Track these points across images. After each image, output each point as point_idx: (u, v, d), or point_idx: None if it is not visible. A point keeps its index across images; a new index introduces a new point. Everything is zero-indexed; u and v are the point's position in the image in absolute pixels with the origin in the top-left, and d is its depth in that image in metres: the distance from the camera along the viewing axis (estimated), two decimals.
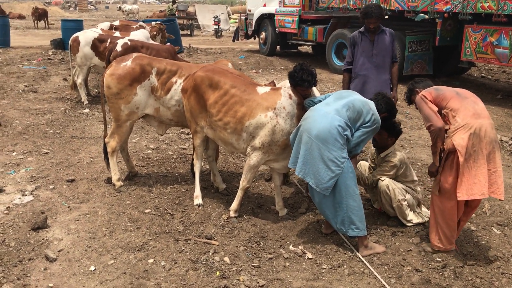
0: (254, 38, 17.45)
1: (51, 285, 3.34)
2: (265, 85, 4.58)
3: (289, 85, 4.33)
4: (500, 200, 3.95)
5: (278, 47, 16.23)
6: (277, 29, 15.30)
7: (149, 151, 6.31)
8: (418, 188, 4.61)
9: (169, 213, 4.50)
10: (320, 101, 4.13)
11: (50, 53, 14.34)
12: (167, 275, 3.50)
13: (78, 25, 15.72)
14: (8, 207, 4.47)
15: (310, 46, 16.44)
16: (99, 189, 4.98)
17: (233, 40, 18.89)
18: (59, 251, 3.78)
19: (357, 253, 3.94)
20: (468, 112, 3.74)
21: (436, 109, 3.76)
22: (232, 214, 4.47)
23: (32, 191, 4.85)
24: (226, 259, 3.77)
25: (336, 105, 3.92)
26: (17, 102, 8.75)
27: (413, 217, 4.44)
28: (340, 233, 4.10)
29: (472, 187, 3.67)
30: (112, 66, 4.81)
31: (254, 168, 4.36)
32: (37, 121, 7.55)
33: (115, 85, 4.71)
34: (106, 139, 4.97)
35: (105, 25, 11.64)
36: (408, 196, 4.41)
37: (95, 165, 5.64)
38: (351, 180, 3.86)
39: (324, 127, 3.79)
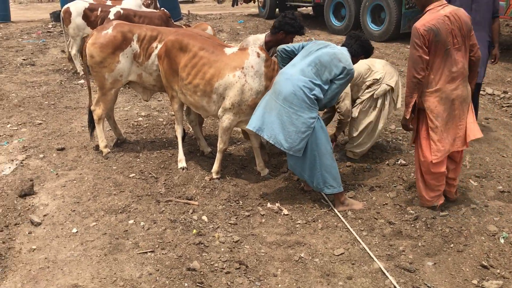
0: (254, 2, 17.24)
1: (34, 247, 3.51)
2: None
3: (259, 43, 4.39)
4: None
5: (277, 10, 16.03)
6: None
7: (140, 118, 6.41)
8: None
9: (153, 176, 4.63)
10: (293, 50, 4.11)
11: (50, 26, 14.36)
12: (145, 234, 3.64)
13: None
14: None
15: (311, 8, 16.22)
16: (87, 156, 5.12)
17: (233, 5, 18.68)
18: (44, 215, 3.94)
19: (334, 208, 4.04)
20: (446, 77, 3.71)
21: (427, 59, 3.63)
22: (214, 175, 4.58)
23: (23, 160, 5.00)
24: (204, 218, 3.91)
25: (301, 64, 3.93)
26: (15, 75, 8.86)
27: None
28: (317, 191, 4.18)
29: (440, 148, 3.78)
30: (93, 35, 4.86)
31: (228, 130, 4.43)
32: (33, 93, 7.67)
33: (98, 53, 4.77)
34: (92, 107, 5.07)
35: None
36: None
37: (86, 134, 5.74)
38: (323, 139, 3.92)
39: (290, 90, 3.82)
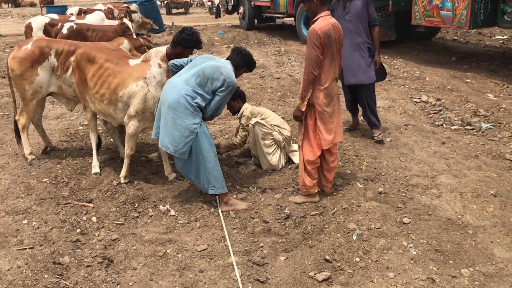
0: (238, 13, 17.64)
1: None
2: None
3: (161, 55, 4.73)
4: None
5: (256, 21, 16.41)
6: (252, 3, 15.48)
7: (80, 127, 6.78)
8: (287, 127, 5.27)
9: (64, 181, 4.97)
10: (182, 64, 4.46)
11: None
12: (32, 233, 3.97)
13: (62, 11, 16.18)
14: None
15: (293, 18, 16.56)
16: (15, 163, 5.48)
17: (216, 17, 19.10)
18: None
19: (218, 209, 4.33)
20: (332, 77, 4.27)
21: (321, 58, 4.12)
22: (122, 180, 4.91)
23: None
24: (94, 218, 4.23)
25: (186, 75, 4.27)
26: None
27: (274, 159, 5.12)
28: (204, 191, 4.48)
29: (329, 138, 4.28)
30: (14, 50, 5.24)
31: (133, 136, 4.76)
32: None
33: (18, 67, 5.15)
34: (16, 117, 5.45)
35: (75, 9, 12.08)
36: (274, 133, 5.10)
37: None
38: (206, 143, 4.23)
39: (174, 98, 4.16)
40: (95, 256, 3.64)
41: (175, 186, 4.88)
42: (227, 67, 4.31)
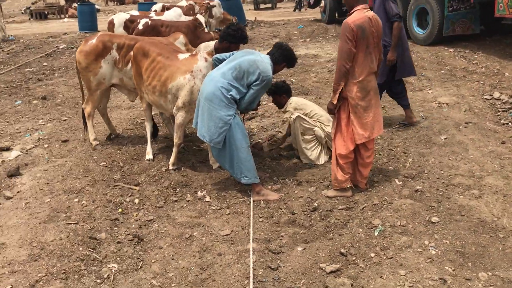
0: (319, 7, 17.56)
1: None
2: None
3: (209, 49, 4.95)
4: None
5: (336, 14, 16.24)
6: None
7: None
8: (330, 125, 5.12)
9: (119, 165, 5.39)
10: (224, 58, 4.65)
11: None
12: (79, 210, 4.40)
13: (149, 8, 17.19)
14: (3, 160, 5.69)
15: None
16: (82, 148, 6.03)
17: (294, 10, 19.12)
18: (18, 192, 4.87)
19: (250, 198, 4.48)
20: (367, 71, 4.22)
21: (354, 51, 4.11)
22: (170, 167, 5.23)
23: (29, 149, 6.05)
24: (136, 200, 4.57)
25: (224, 68, 4.45)
26: (72, 79, 10.23)
27: (313, 155, 5.11)
28: (237, 180, 4.64)
29: (364, 132, 4.25)
30: (81, 45, 5.76)
31: (181, 126, 5.05)
32: (76, 95, 8.88)
33: (83, 60, 5.66)
34: (83, 106, 5.98)
35: (158, 6, 12.78)
36: (316, 129, 5.07)
37: (95, 129, 6.68)
38: (239, 134, 4.40)
39: (210, 90, 4.36)
40: (128, 234, 3.96)
41: (217, 175, 5.09)
42: (265, 62, 4.42)
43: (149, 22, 8.83)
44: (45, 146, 6.15)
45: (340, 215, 4.07)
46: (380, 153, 5.29)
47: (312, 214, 4.15)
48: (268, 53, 4.58)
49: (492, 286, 3.06)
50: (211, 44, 5.17)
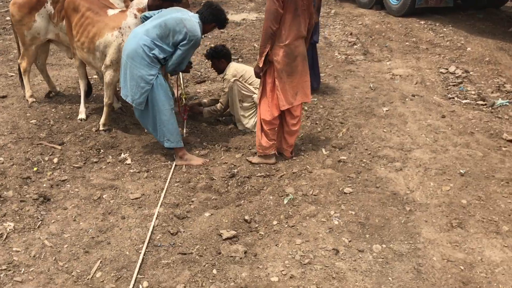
0: None
1: None
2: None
3: (142, 6, 4.73)
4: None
5: None
6: None
7: (95, 77, 7.03)
8: None
9: (50, 123, 5.23)
10: (152, 15, 4.45)
11: None
12: None
13: None
14: None
15: None
16: (18, 104, 5.81)
17: None
18: None
19: (174, 163, 4.38)
20: (294, 34, 4.05)
21: (281, 12, 3.95)
22: (101, 127, 5.07)
23: None
24: (55, 160, 4.44)
25: (149, 25, 4.26)
26: None
27: (250, 123, 5.00)
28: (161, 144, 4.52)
29: (285, 99, 4.13)
30: None
31: (110, 85, 4.87)
32: None
33: (17, 13, 5.41)
34: (19, 61, 5.77)
35: None
36: (255, 96, 4.90)
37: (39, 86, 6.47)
38: (161, 95, 4.24)
39: (132, 47, 4.19)
40: (36, 193, 3.84)
41: (149, 137, 4.95)
42: (193, 21, 4.23)
43: None
44: None
45: (257, 182, 3.99)
46: (317, 122, 5.18)
47: (230, 180, 4.06)
48: (197, 12, 4.39)
49: (381, 259, 3.01)
50: (144, 1, 4.95)
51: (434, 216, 3.44)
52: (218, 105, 5.26)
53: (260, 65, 4.12)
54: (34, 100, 5.80)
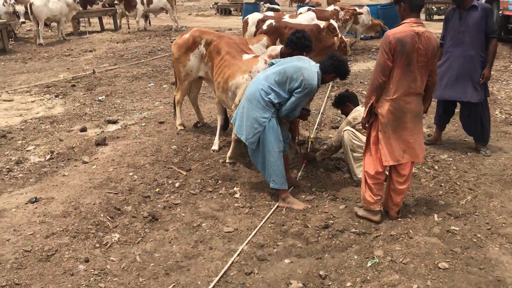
0: None
1: (66, 174, 5.17)
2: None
3: (273, 53, 5.04)
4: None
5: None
6: (500, 12, 13.80)
7: None
8: None
9: (186, 150, 5.80)
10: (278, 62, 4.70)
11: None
12: (127, 183, 4.89)
13: (255, 8, 17.99)
14: (103, 131, 6.56)
15: None
16: (170, 130, 6.60)
17: None
18: (95, 159, 5.60)
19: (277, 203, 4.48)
20: (404, 90, 3.91)
21: (390, 65, 3.87)
22: (227, 160, 5.46)
23: (128, 125, 6.84)
24: (177, 184, 4.91)
25: (269, 71, 4.50)
26: None
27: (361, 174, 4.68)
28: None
29: (390, 154, 3.97)
30: (178, 37, 6.30)
31: None
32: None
33: (176, 52, 6.20)
34: (174, 93, 6.54)
35: (304, 9, 13.06)
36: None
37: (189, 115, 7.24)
38: (272, 137, 4.42)
39: (251, 91, 4.47)
40: (148, 212, 4.30)
41: None
42: (311, 70, 4.35)
43: (274, 23, 9.18)
44: (143, 124, 6.88)
45: (348, 237, 3.85)
46: (442, 184, 4.77)
47: (322, 230, 3.99)
48: (319, 62, 4.50)
49: None
50: (278, 48, 5.22)
51: None
52: (329, 143, 5.23)
53: (364, 115, 4.03)
54: (183, 128, 6.49)
